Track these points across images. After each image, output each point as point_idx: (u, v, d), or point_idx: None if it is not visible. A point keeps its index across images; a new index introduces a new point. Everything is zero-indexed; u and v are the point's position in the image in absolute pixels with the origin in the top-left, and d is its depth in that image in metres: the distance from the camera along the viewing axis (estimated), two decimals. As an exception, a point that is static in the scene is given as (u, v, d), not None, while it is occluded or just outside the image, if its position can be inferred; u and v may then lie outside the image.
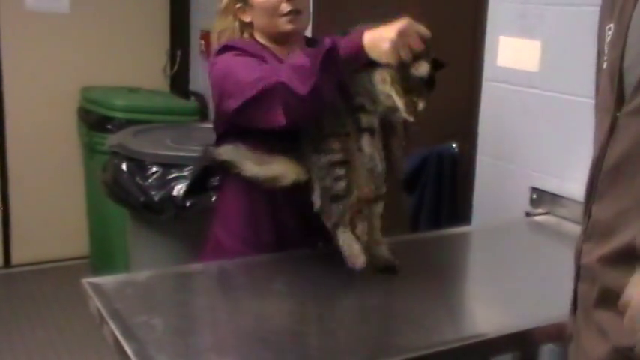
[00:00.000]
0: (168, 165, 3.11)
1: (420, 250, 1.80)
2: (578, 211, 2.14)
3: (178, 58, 4.70)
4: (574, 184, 2.21)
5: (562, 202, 2.24)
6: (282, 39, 2.03)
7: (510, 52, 2.40)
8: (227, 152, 1.91)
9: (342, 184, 1.76)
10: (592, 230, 1.14)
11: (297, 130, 1.85)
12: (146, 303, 1.68)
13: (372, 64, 1.68)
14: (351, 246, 1.74)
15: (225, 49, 1.97)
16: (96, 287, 1.66)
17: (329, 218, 1.77)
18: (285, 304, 1.65)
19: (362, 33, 1.71)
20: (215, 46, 2.09)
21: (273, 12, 2.00)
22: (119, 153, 3.32)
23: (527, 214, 2.34)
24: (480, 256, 2.17)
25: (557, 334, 1.52)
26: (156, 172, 3.16)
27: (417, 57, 1.65)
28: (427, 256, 1.81)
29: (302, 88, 1.69)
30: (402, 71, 1.64)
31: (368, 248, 1.77)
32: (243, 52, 1.95)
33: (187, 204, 3.04)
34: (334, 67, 1.69)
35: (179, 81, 4.74)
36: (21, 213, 4.52)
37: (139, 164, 3.19)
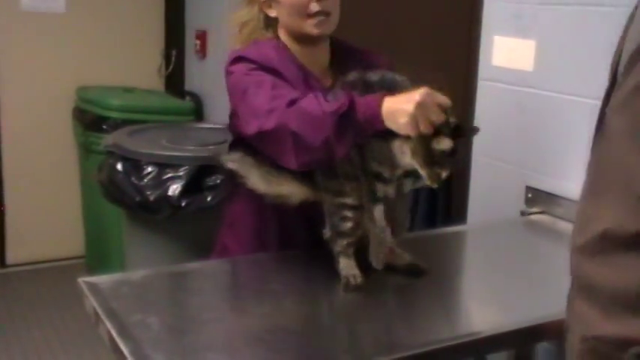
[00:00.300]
0: (163, 165, 3.12)
1: (415, 249, 1.80)
2: (573, 210, 2.16)
3: (173, 58, 4.70)
4: (569, 183, 2.21)
5: (557, 200, 2.25)
6: (307, 40, 1.95)
7: (505, 51, 2.41)
8: (234, 161, 1.87)
9: (348, 225, 1.73)
10: (576, 222, 1.16)
11: None
12: (142, 302, 1.68)
13: (390, 132, 1.60)
14: (349, 269, 1.73)
15: (239, 59, 1.88)
16: (92, 286, 1.66)
17: (334, 247, 1.76)
18: (282, 304, 1.65)
19: (381, 99, 1.60)
20: (236, 38, 2.03)
21: (301, 11, 1.90)
22: (115, 153, 3.32)
23: (523, 213, 2.34)
24: (475, 254, 2.18)
25: (551, 332, 1.53)
26: (151, 171, 3.16)
27: (438, 128, 1.56)
28: (422, 255, 1.81)
29: (314, 140, 1.64)
30: (423, 144, 1.55)
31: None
32: (256, 65, 1.86)
33: (183, 204, 3.05)
34: (349, 129, 1.61)
35: (174, 81, 4.74)
36: (16, 213, 4.52)
37: (134, 164, 3.20)
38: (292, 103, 1.70)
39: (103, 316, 1.52)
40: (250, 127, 1.77)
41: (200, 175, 3.08)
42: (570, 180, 2.21)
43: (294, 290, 1.74)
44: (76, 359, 3.56)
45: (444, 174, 1.58)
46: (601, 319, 1.02)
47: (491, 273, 1.91)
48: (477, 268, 2.03)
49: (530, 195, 2.34)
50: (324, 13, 1.89)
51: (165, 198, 3.10)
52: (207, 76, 4.37)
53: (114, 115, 4.09)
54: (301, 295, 1.72)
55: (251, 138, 1.78)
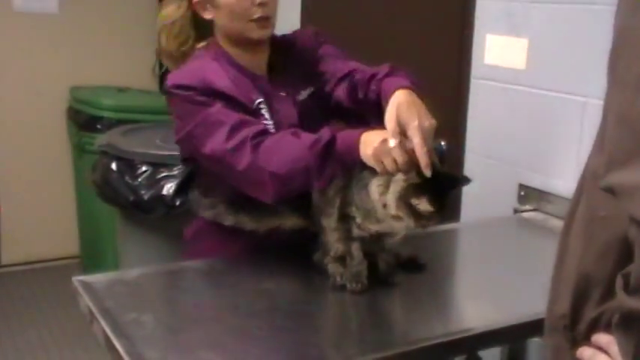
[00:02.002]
0: (157, 164, 3.12)
1: (408, 246, 1.81)
2: (565, 208, 2.17)
3: (167, 58, 4.69)
4: (561, 181, 2.22)
5: (549, 198, 2.26)
6: (247, 43, 1.88)
7: (497, 50, 2.42)
8: (210, 210, 1.88)
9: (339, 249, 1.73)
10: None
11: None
12: (136, 300, 1.68)
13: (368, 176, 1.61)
14: (336, 269, 1.71)
15: (180, 87, 1.80)
16: (86, 285, 1.67)
17: (323, 261, 1.76)
18: (274, 302, 1.65)
19: (361, 131, 1.64)
20: (164, 38, 1.92)
21: (242, 16, 1.83)
22: (108, 152, 3.32)
23: (515, 211, 2.35)
24: (469, 252, 2.19)
25: (543, 328, 1.54)
26: (145, 171, 3.16)
27: (425, 182, 1.52)
28: (415, 252, 1.82)
29: (295, 178, 1.67)
30: (404, 198, 1.53)
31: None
32: (199, 92, 1.78)
33: (177, 203, 3.05)
34: (329, 162, 1.64)
35: (168, 80, 4.73)
36: (11, 213, 4.51)
37: (128, 163, 3.20)
38: (258, 136, 1.70)
39: (97, 315, 1.53)
40: (216, 166, 1.77)
41: (194, 174, 3.08)
42: (562, 178, 2.22)
43: (288, 289, 1.75)
44: (70, 358, 3.56)
45: (431, 223, 1.55)
46: None
47: (484, 270, 1.92)
48: (470, 266, 2.04)
49: (522, 193, 2.35)
50: (265, 17, 1.84)
51: (159, 197, 3.10)
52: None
53: (108, 114, 4.09)
54: (295, 294, 1.73)
55: (216, 172, 1.79)
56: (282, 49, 1.97)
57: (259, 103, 1.85)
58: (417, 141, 1.54)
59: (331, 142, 1.64)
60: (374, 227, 1.63)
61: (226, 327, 1.56)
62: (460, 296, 1.86)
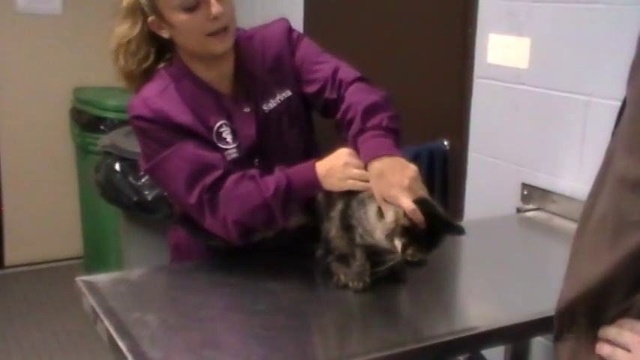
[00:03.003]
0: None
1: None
2: (568, 207, 2.18)
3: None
4: (564, 180, 2.22)
5: (553, 197, 2.26)
6: (211, 59, 1.82)
7: (500, 49, 2.42)
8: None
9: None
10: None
11: None
12: (140, 300, 1.69)
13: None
14: (340, 268, 1.72)
15: (138, 118, 1.78)
16: (90, 285, 1.67)
17: (326, 261, 1.76)
18: (278, 301, 1.66)
19: (313, 165, 1.70)
20: (122, 57, 1.86)
21: (199, 32, 1.76)
22: (112, 153, 3.33)
23: (518, 210, 2.35)
24: (472, 251, 2.18)
25: (546, 327, 1.53)
26: (149, 171, 3.16)
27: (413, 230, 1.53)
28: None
29: (257, 224, 1.72)
30: (393, 236, 1.55)
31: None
32: (157, 129, 1.76)
33: (180, 203, 3.05)
34: (290, 202, 1.70)
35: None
36: (14, 214, 4.52)
37: (131, 164, 3.20)
38: (214, 186, 1.72)
39: (101, 315, 1.53)
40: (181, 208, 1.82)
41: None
42: (565, 177, 2.22)
43: (291, 288, 1.74)
44: (74, 358, 3.56)
45: (422, 257, 1.54)
46: None
47: (487, 269, 1.92)
48: (473, 265, 2.04)
49: (525, 192, 2.35)
50: (223, 28, 1.77)
51: (162, 198, 3.10)
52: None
53: (111, 115, 4.10)
54: (298, 293, 1.72)
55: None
56: (250, 52, 1.90)
57: (220, 126, 1.82)
58: (402, 205, 1.53)
59: (290, 185, 1.69)
60: (374, 242, 1.63)
61: (230, 326, 1.56)
62: (463, 295, 1.86)
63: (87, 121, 4.20)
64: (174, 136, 1.76)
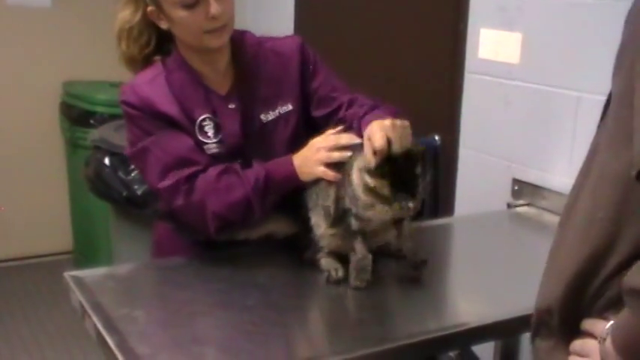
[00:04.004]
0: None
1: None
2: (559, 203, 2.17)
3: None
4: (555, 176, 2.22)
5: (543, 193, 2.26)
6: (207, 52, 1.84)
7: (491, 44, 2.41)
8: None
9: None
10: None
11: None
12: (128, 296, 1.68)
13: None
14: (330, 264, 1.71)
15: (125, 104, 1.82)
16: (78, 281, 1.66)
17: (313, 257, 1.76)
18: (267, 296, 1.65)
19: (290, 159, 1.75)
20: (124, 43, 1.88)
21: (197, 29, 1.78)
22: (101, 147, 3.31)
23: (509, 206, 2.35)
24: (462, 246, 2.19)
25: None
26: (138, 166, 3.15)
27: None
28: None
29: (237, 217, 1.75)
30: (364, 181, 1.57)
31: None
32: (141, 116, 1.79)
33: (170, 198, 3.04)
34: (268, 195, 1.74)
35: (161, 75, 4.71)
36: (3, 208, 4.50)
37: (121, 158, 3.19)
38: (191, 178, 1.74)
39: (89, 310, 1.52)
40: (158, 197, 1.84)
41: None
42: (556, 172, 2.22)
43: (281, 284, 1.74)
44: (64, 354, 3.55)
45: (411, 204, 1.54)
46: None
47: (477, 265, 1.92)
48: (463, 260, 2.04)
49: (516, 187, 2.35)
50: (221, 26, 1.79)
51: (152, 193, 3.08)
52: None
53: (101, 109, 4.08)
54: (287, 288, 1.72)
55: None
56: (257, 58, 1.92)
57: (203, 120, 1.83)
58: (371, 131, 1.57)
59: (268, 178, 1.73)
60: (367, 214, 1.61)
61: (219, 322, 1.55)
62: (453, 291, 1.86)
63: (76, 115, 4.18)
64: (157, 125, 1.79)
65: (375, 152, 1.53)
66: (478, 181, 2.52)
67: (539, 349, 1.18)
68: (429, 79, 2.77)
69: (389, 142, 1.53)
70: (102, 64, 4.53)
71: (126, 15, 1.86)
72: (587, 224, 1.08)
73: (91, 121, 4.05)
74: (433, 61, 2.75)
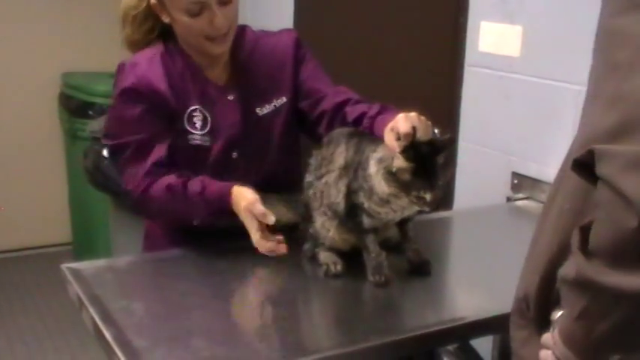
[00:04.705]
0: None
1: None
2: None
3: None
4: (555, 169, 2.21)
5: (543, 186, 2.25)
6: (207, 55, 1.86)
7: (492, 37, 2.40)
8: None
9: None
10: None
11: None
12: (126, 288, 1.68)
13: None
14: (329, 258, 1.70)
15: (124, 93, 1.83)
16: (75, 273, 1.66)
17: (312, 250, 1.75)
18: (265, 289, 1.65)
19: (230, 188, 1.74)
20: (129, 29, 1.89)
21: (199, 34, 1.79)
22: (100, 139, 3.30)
23: (508, 199, 2.35)
24: (461, 240, 2.18)
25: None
26: (137, 157, 3.14)
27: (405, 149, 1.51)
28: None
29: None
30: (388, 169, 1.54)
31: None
32: (140, 103, 1.81)
33: (169, 190, 3.03)
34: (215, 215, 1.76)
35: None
36: (2, 200, 4.49)
37: (120, 150, 3.18)
38: (152, 172, 1.80)
39: (86, 302, 1.52)
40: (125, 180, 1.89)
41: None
42: (556, 166, 2.20)
43: (279, 277, 1.74)
44: (62, 346, 3.55)
45: (429, 196, 1.51)
46: None
47: (476, 258, 1.91)
48: (462, 254, 2.04)
49: (516, 181, 2.35)
50: (223, 34, 1.80)
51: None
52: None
53: (100, 100, 4.06)
54: (285, 282, 1.72)
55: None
56: (255, 53, 1.93)
57: (194, 110, 1.84)
58: (396, 121, 1.56)
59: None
60: (381, 210, 1.60)
61: (216, 315, 1.55)
62: (452, 285, 1.85)
63: (75, 106, 4.17)
64: (140, 100, 1.80)
65: (399, 138, 1.52)
66: (477, 174, 2.51)
67: (514, 340, 1.19)
68: (428, 72, 2.76)
69: (414, 130, 1.52)
70: (101, 55, 4.52)
71: (131, 1, 1.87)
72: (558, 215, 1.10)
73: (90, 112, 4.04)
74: (433, 54, 2.74)
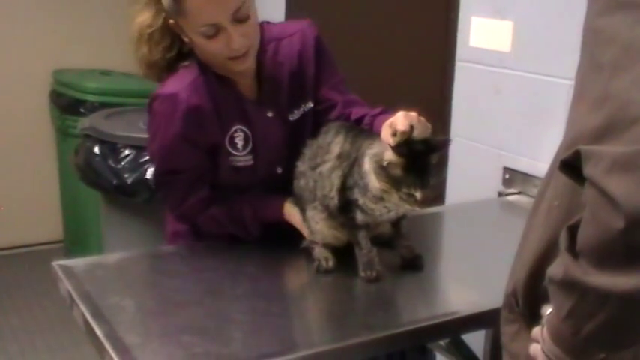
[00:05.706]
0: (141, 148, 3.10)
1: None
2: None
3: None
4: (546, 164, 2.21)
5: (534, 181, 2.25)
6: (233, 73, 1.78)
7: (483, 32, 2.40)
8: None
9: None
10: None
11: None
12: (117, 285, 1.67)
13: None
14: (321, 253, 1.70)
15: (171, 124, 1.74)
16: (66, 269, 1.65)
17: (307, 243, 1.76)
18: (257, 285, 1.64)
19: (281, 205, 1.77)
20: (143, 48, 1.76)
21: (219, 55, 1.70)
22: (91, 136, 3.30)
23: (500, 194, 2.35)
24: (453, 235, 2.18)
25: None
26: (128, 154, 3.15)
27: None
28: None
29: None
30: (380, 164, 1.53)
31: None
32: (190, 136, 1.73)
33: (160, 186, 3.03)
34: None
35: (152, 63, 4.69)
36: (-7, 197, 4.48)
37: (111, 147, 3.18)
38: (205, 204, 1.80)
39: (77, 299, 1.51)
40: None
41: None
42: (547, 161, 2.20)
43: (271, 273, 1.74)
44: (54, 343, 3.54)
45: (419, 194, 1.50)
46: None
47: (468, 253, 1.91)
48: (454, 249, 2.04)
49: (507, 176, 2.35)
50: (244, 53, 1.70)
51: (142, 181, 3.08)
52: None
53: (91, 98, 4.05)
54: (277, 277, 1.72)
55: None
56: (277, 57, 1.84)
57: (235, 130, 1.77)
58: (394, 118, 1.55)
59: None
60: (375, 207, 1.59)
61: (208, 311, 1.55)
62: (444, 280, 1.85)
63: (66, 103, 4.15)
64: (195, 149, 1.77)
65: (396, 134, 1.51)
66: (469, 169, 2.51)
67: (504, 334, 1.19)
68: (420, 67, 2.77)
69: (411, 128, 1.51)
70: (92, 52, 4.53)
71: (146, 19, 1.74)
72: (547, 212, 1.11)
73: (81, 110, 4.03)
74: (424, 50, 2.74)
